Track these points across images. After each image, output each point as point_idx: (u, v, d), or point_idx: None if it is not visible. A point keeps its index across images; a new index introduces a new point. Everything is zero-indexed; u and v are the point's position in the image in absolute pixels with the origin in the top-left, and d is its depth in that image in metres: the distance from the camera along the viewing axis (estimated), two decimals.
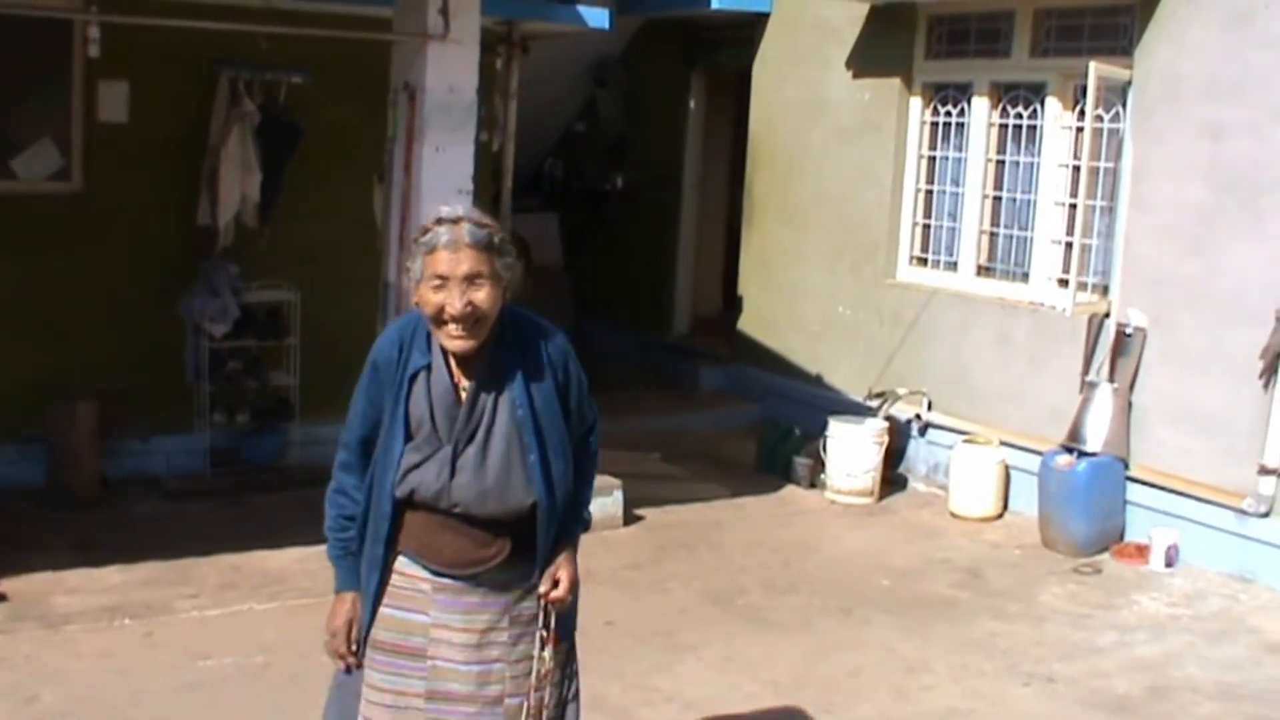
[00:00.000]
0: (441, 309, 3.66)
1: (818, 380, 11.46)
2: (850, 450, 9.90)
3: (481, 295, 3.66)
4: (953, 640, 7.25)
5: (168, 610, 7.04)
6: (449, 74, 7.90)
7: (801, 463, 10.26)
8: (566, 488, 3.89)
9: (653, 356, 13.39)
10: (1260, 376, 8.27)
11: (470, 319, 3.66)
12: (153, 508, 8.81)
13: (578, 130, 14.21)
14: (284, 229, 9.42)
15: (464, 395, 3.79)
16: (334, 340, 8.79)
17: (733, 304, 12.80)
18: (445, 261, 3.63)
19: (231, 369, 9.40)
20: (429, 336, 3.80)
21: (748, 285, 12.53)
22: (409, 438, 3.79)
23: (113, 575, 7.46)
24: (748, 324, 12.45)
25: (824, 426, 10.08)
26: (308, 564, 7.60)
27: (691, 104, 13.51)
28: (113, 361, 9.11)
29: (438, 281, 3.64)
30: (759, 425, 11.17)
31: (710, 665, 6.74)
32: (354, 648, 3.91)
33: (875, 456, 9.93)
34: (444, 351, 3.78)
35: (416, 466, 3.78)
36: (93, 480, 8.81)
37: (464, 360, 3.77)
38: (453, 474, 3.75)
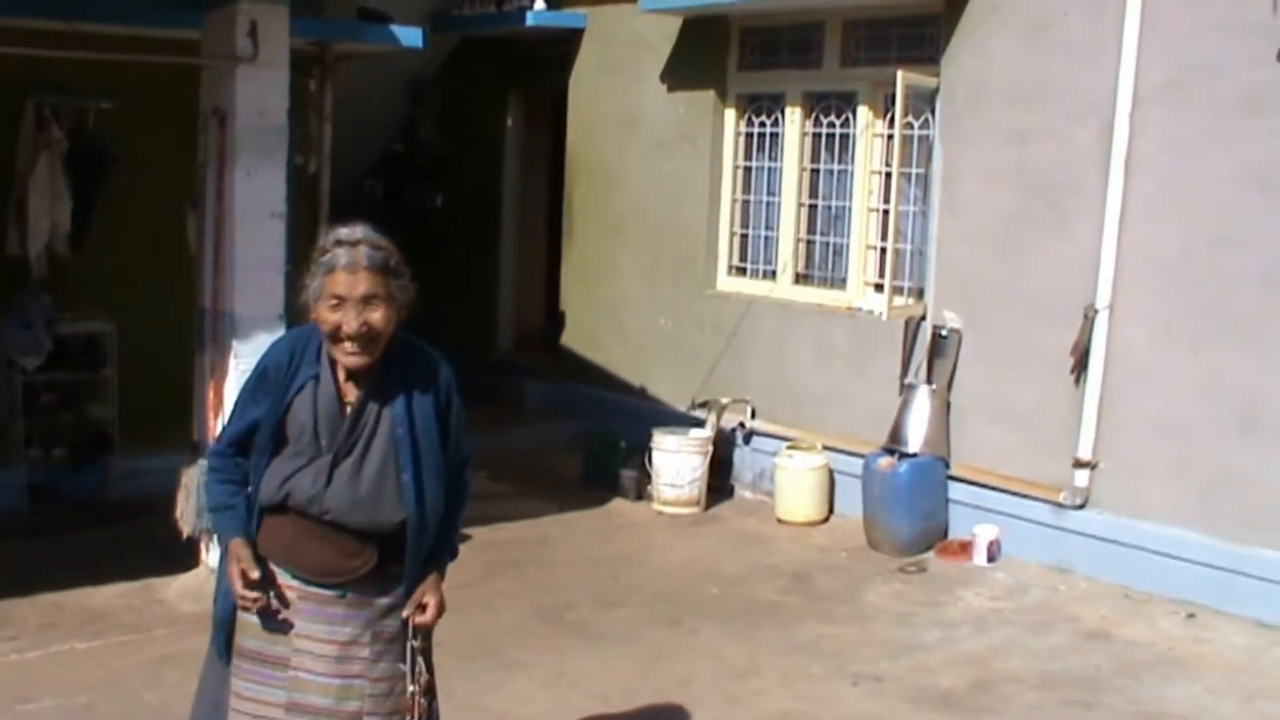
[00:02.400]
0: (338, 328, 3.79)
1: (642, 392, 11.51)
2: (675, 461, 9.95)
3: (377, 316, 3.80)
4: (781, 645, 7.31)
5: None
6: (259, 97, 7.77)
7: (628, 475, 10.29)
8: (438, 510, 3.98)
9: (478, 374, 13.25)
10: (1071, 372, 8.50)
11: (365, 338, 3.80)
12: None
13: (396, 150, 14.10)
14: (98, 258, 9.21)
15: (348, 409, 3.90)
16: (153, 371, 8.62)
17: (556, 319, 12.80)
18: (343, 283, 3.76)
19: (46, 403, 9.17)
20: (319, 349, 3.91)
21: (570, 300, 12.55)
22: (284, 444, 3.89)
23: None
24: (571, 338, 12.46)
25: (649, 438, 10.11)
26: (131, 599, 7.46)
27: (510, 121, 13.49)
28: None
29: (335, 301, 3.78)
30: (585, 439, 11.17)
31: (540, 682, 6.71)
32: (258, 587, 3.88)
33: (700, 466, 9.99)
34: (332, 364, 3.89)
35: (294, 473, 3.86)
36: None
37: (353, 375, 3.89)
38: (329, 481, 3.85)
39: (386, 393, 3.91)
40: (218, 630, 4.05)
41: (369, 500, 3.86)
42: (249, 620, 3.93)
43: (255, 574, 3.86)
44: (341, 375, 3.90)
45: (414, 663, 3.98)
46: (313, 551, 3.89)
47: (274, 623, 3.91)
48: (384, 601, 3.96)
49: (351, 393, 3.91)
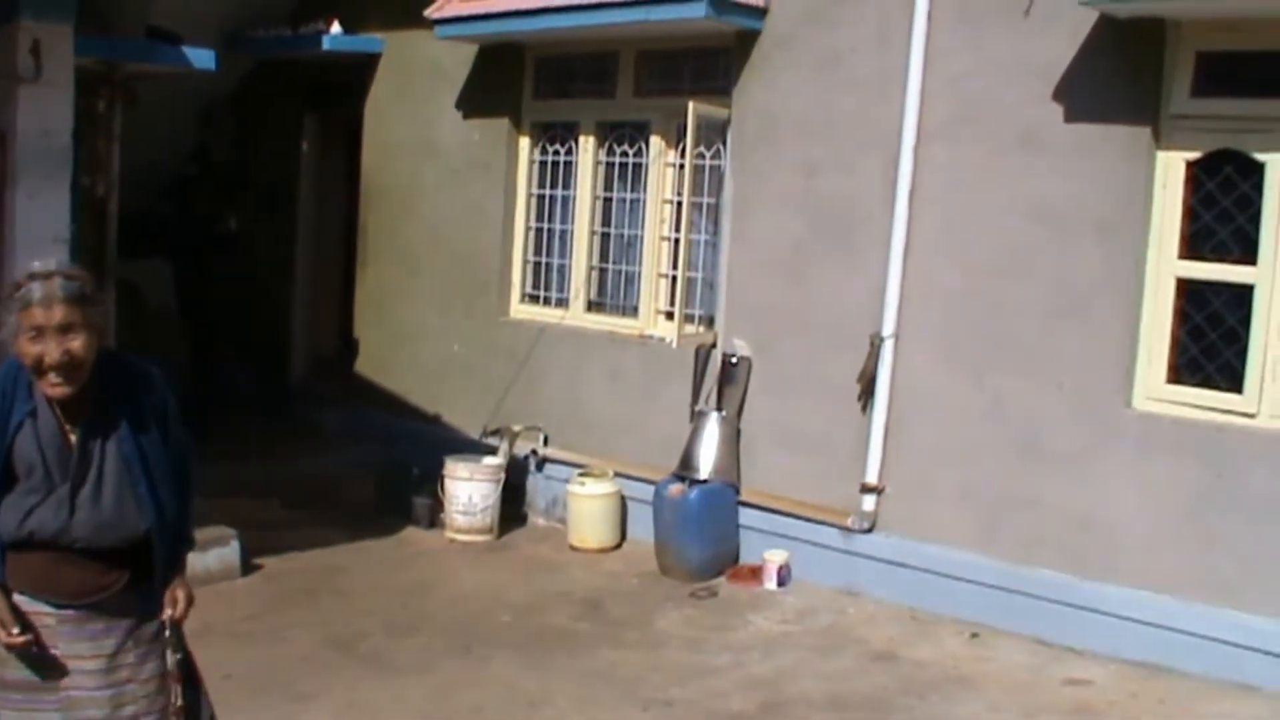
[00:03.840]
0: (40, 359, 3.82)
1: (436, 419, 11.45)
2: (468, 488, 9.91)
3: (77, 344, 3.83)
4: (573, 672, 7.31)
5: None
6: (42, 118, 7.59)
7: (421, 503, 10.22)
8: (174, 511, 4.09)
9: (273, 400, 13.12)
10: (858, 399, 8.68)
11: (68, 367, 3.83)
12: None
13: (190, 172, 13.85)
14: None
15: (73, 439, 3.92)
16: None
17: (351, 345, 12.67)
18: (40, 315, 3.80)
19: None
20: (30, 384, 3.91)
21: (364, 326, 12.44)
22: (15, 481, 3.89)
23: None
24: (365, 365, 12.35)
25: (443, 465, 10.06)
26: None
27: (305, 144, 13.33)
28: None
29: (34, 333, 3.81)
30: (379, 466, 11.06)
31: (332, 713, 6.62)
32: (15, 630, 3.88)
33: (493, 493, 9.97)
34: (47, 397, 3.90)
35: (32, 509, 3.87)
36: None
37: (67, 405, 3.92)
38: (72, 512, 3.89)
39: (105, 414, 3.97)
40: None
41: (113, 520, 3.93)
42: (8, 655, 3.92)
43: (19, 639, 3.87)
44: (58, 407, 3.92)
45: (174, 655, 4.09)
46: (66, 578, 3.93)
47: (37, 654, 3.92)
48: (140, 606, 4.05)
49: (72, 421, 3.93)
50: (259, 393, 13.22)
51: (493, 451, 10.43)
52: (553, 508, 10.36)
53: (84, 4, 8.05)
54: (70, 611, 3.94)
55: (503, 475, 10.07)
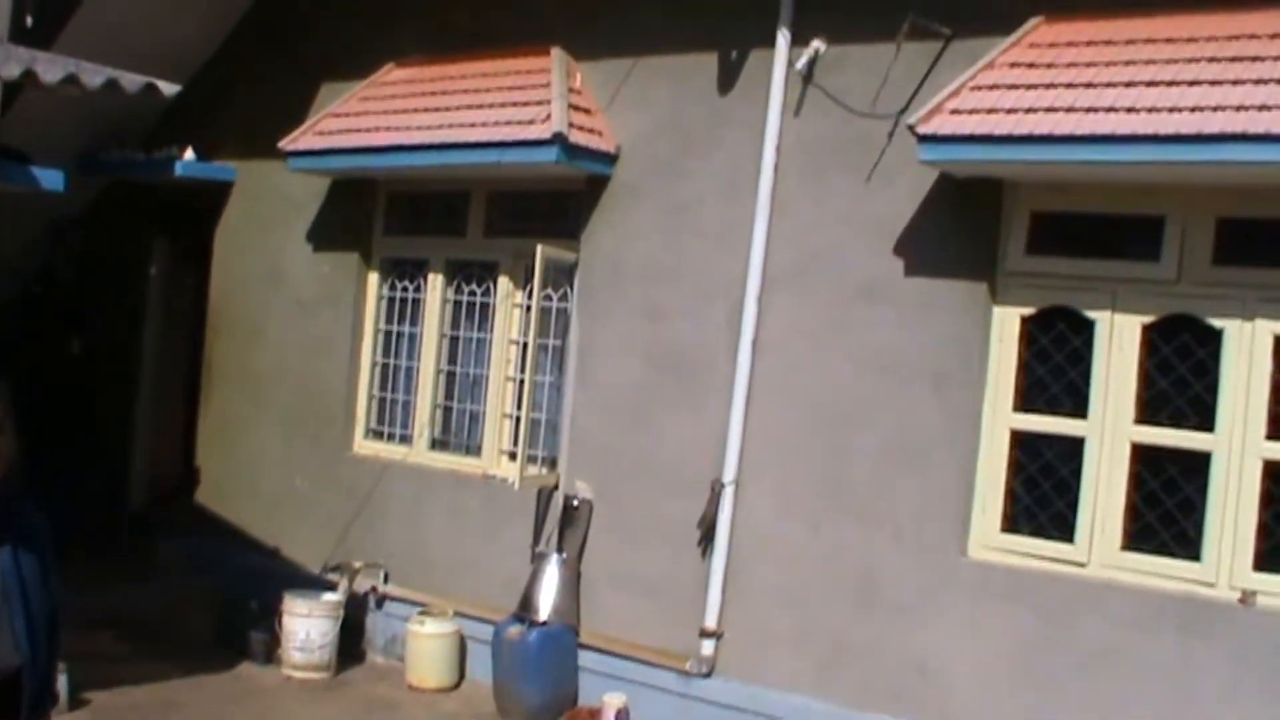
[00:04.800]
0: None
1: (275, 553, 11.28)
2: (306, 624, 9.77)
3: None
4: None
5: None
6: None
7: (258, 638, 10.04)
8: (45, 654, 3.95)
9: (110, 528, 12.83)
10: (698, 544, 8.73)
11: None
12: None
13: (34, 292, 13.63)
14: None
15: None
16: None
17: (193, 474, 12.47)
18: None
19: None
20: None
21: (207, 455, 12.27)
22: None
23: None
24: (207, 495, 12.15)
25: (281, 600, 9.91)
26: None
27: (154, 269, 13.16)
28: None
29: None
30: (217, 599, 10.85)
31: None
32: None
33: (331, 630, 9.83)
34: None
35: None
36: None
37: None
38: None
39: None
40: None
41: None
42: None
43: None
44: None
45: None
46: None
47: None
48: None
49: None
50: (95, 519, 12.94)
51: (332, 587, 10.30)
52: (392, 646, 10.23)
53: None
54: None
55: (341, 612, 9.94)
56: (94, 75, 8.25)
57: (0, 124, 10.17)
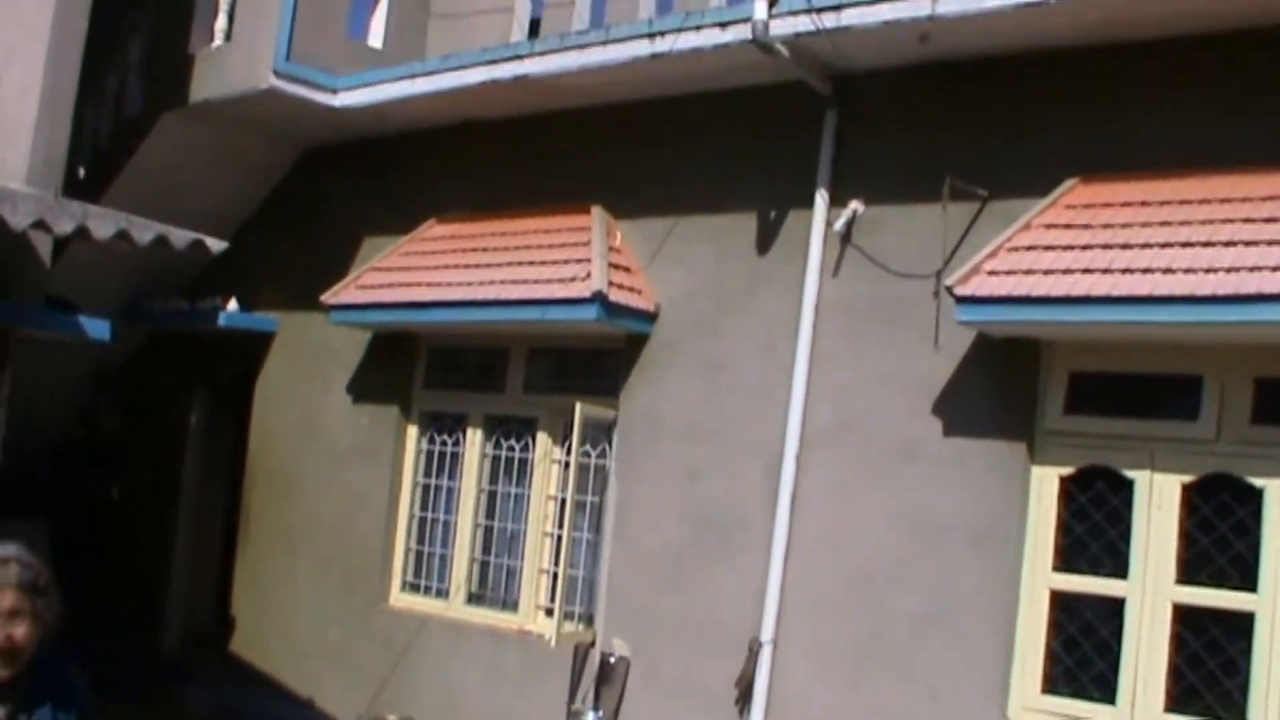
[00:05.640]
0: None
1: (310, 704, 11.20)
2: None
3: (20, 631, 3.96)
4: None
5: None
6: None
7: None
8: None
9: (143, 675, 12.77)
10: (735, 703, 8.63)
11: (8, 652, 3.95)
12: None
13: (76, 436, 13.74)
14: None
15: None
16: None
17: (227, 622, 12.44)
18: None
19: None
20: None
21: (241, 604, 12.25)
22: None
23: None
24: (241, 643, 12.12)
25: None
26: None
27: (194, 417, 13.26)
28: None
29: None
30: None
31: None
32: None
33: None
34: None
35: None
36: None
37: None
38: None
39: (34, 701, 4.03)
40: None
41: None
42: None
43: None
44: None
45: None
46: None
47: None
48: None
49: (1, 701, 3.97)
50: (129, 664, 12.89)
51: None
52: None
53: None
54: None
55: None
56: (144, 231, 8.36)
57: (49, 274, 10.32)
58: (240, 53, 11.03)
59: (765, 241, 9.01)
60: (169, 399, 13.32)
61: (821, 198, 8.71)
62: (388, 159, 11.56)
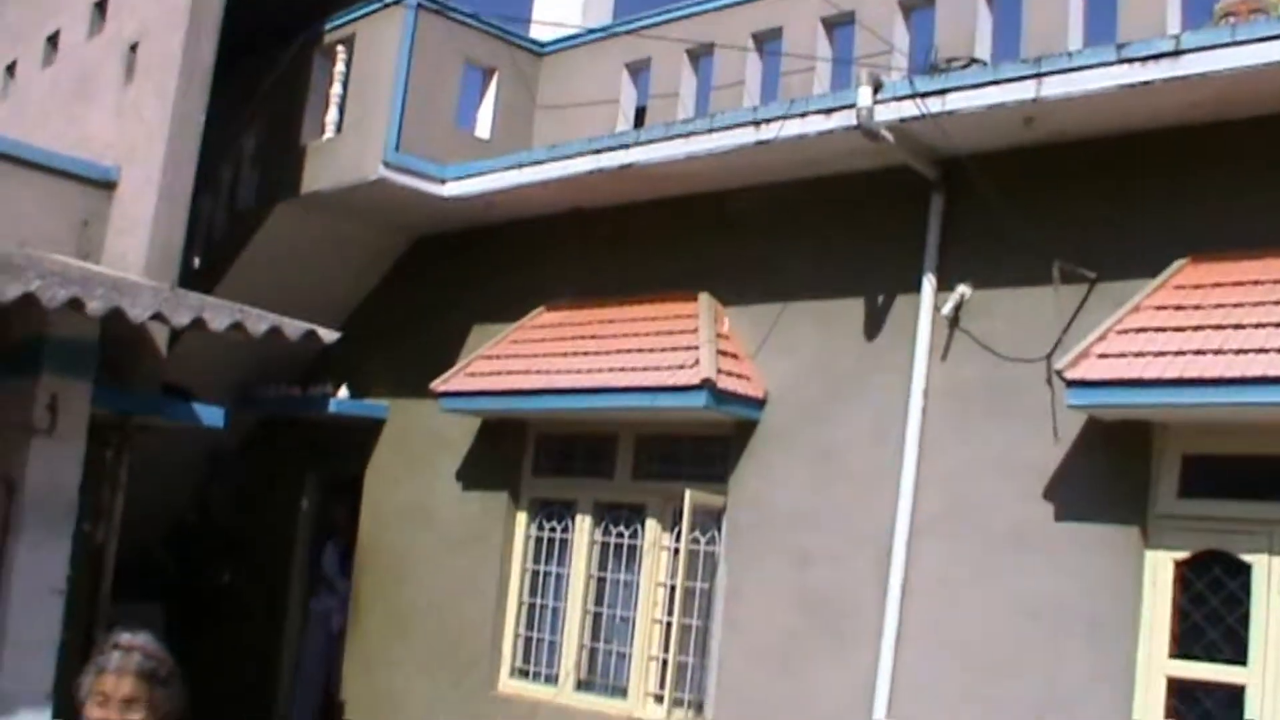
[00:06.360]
0: None
1: None
2: None
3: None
4: None
5: None
6: (52, 470, 7.70)
7: None
8: None
9: None
10: None
11: None
12: None
13: (189, 520, 13.94)
14: None
15: None
16: None
17: (336, 707, 12.50)
18: (109, 684, 3.93)
19: None
20: None
21: (350, 688, 12.30)
22: None
23: None
24: None
25: None
26: None
27: (305, 502, 13.43)
28: None
29: (100, 699, 3.93)
30: None
31: None
32: None
33: None
34: None
35: None
36: None
37: None
38: None
39: None
40: None
41: None
42: None
43: None
44: None
45: None
46: None
47: None
48: None
49: None
50: None
51: None
52: None
53: (103, 357, 8.25)
54: None
55: None
56: (258, 322, 8.50)
57: (165, 362, 10.52)
58: (351, 144, 11.24)
59: (873, 327, 9.00)
60: (281, 483, 13.49)
61: (929, 282, 8.70)
62: (496, 247, 11.70)
